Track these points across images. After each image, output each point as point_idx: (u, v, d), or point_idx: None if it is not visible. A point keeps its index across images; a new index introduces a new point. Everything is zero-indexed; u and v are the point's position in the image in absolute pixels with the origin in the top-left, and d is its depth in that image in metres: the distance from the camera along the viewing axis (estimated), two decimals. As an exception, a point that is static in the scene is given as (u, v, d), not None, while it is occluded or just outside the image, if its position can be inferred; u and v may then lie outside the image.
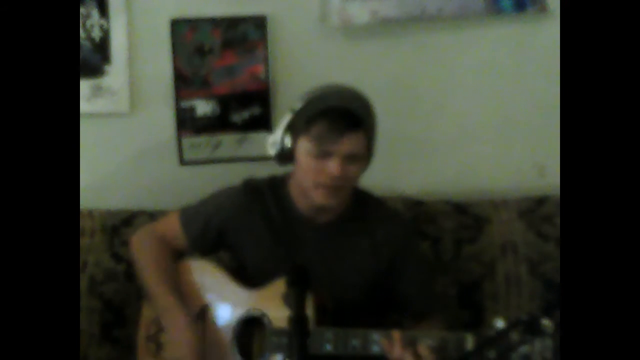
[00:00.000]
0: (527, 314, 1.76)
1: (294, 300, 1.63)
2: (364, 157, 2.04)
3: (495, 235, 2.49)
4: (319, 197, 2.05)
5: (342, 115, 1.99)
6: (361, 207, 2.17)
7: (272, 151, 2.09)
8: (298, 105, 2.05)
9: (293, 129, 2.05)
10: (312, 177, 2.03)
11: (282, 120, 2.07)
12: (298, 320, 1.61)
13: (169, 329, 2.10)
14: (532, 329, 1.73)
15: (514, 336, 1.73)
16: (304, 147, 2.02)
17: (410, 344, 1.86)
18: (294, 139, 2.05)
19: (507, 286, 2.46)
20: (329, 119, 1.99)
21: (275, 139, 2.08)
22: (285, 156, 2.07)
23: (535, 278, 2.46)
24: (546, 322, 1.73)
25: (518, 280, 2.46)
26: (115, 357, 2.42)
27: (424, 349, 1.85)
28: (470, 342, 1.83)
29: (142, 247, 2.23)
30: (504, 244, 2.49)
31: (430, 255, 2.45)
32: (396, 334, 1.88)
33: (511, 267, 2.47)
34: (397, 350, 1.86)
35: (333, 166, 1.99)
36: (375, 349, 1.91)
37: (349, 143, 1.99)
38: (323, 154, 2.00)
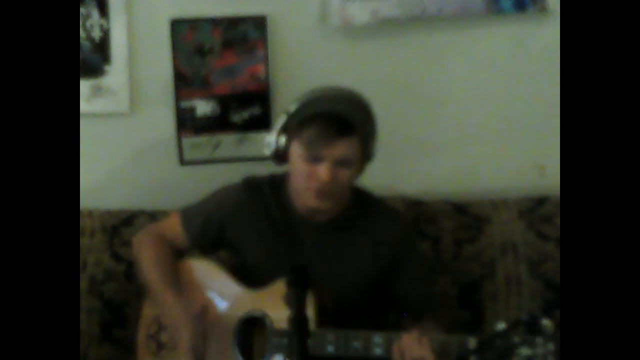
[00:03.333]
0: (527, 314, 1.76)
1: (294, 300, 1.63)
2: (357, 161, 2.03)
3: (495, 235, 2.49)
4: (310, 200, 2.06)
5: (334, 121, 1.99)
6: (361, 206, 2.17)
7: (267, 151, 2.10)
8: (292, 107, 2.07)
9: (287, 131, 2.06)
10: (303, 180, 2.04)
11: (277, 122, 2.09)
12: (298, 320, 1.61)
13: (170, 325, 2.10)
14: (532, 329, 1.73)
15: (515, 337, 1.73)
16: (296, 150, 2.04)
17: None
18: (288, 141, 2.06)
19: (507, 286, 2.46)
20: (320, 124, 1.99)
21: (270, 140, 2.09)
22: (280, 156, 2.09)
23: (535, 278, 2.45)
24: (546, 322, 1.73)
25: (518, 280, 2.46)
26: (115, 357, 2.42)
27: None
28: (472, 344, 1.83)
29: (143, 245, 2.23)
30: (504, 244, 2.48)
31: (430, 255, 2.45)
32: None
33: (511, 267, 2.47)
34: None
35: (323, 171, 1.99)
36: (377, 351, 1.91)
37: (340, 148, 1.99)
38: (313, 159, 2.01)
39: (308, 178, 2.03)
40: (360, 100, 2.07)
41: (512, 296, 2.45)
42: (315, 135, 1.99)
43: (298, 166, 2.04)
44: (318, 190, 2.02)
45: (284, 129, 2.07)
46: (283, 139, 2.07)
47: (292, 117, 2.05)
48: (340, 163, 2.00)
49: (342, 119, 1.99)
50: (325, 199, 2.05)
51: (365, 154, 2.05)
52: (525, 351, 1.72)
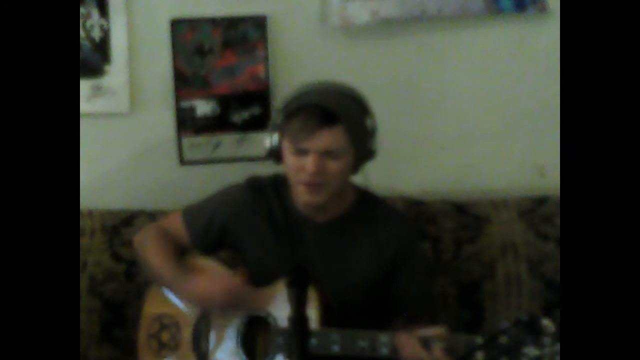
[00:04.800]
0: (527, 314, 1.76)
1: (294, 300, 1.63)
2: (345, 152, 2.02)
3: (495, 235, 2.49)
4: (303, 195, 2.06)
5: (315, 112, 1.99)
6: (364, 206, 2.17)
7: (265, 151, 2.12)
8: (281, 104, 2.09)
9: (277, 128, 2.07)
10: (294, 174, 2.05)
11: (271, 120, 2.12)
12: (298, 320, 1.61)
13: (199, 302, 2.11)
14: (532, 329, 1.73)
15: (521, 336, 1.73)
16: (285, 145, 2.05)
17: (425, 346, 1.87)
18: (280, 138, 2.07)
19: (507, 286, 2.46)
20: (302, 116, 2.00)
21: (265, 139, 2.11)
22: (276, 154, 2.09)
23: (535, 278, 2.45)
24: (546, 322, 1.73)
25: (518, 280, 2.46)
26: (115, 357, 2.42)
27: (437, 350, 1.85)
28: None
29: (147, 241, 2.23)
30: (504, 244, 2.48)
31: (430, 255, 2.45)
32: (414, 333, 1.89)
33: (511, 267, 2.47)
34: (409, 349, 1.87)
35: (309, 163, 2.00)
36: (383, 350, 1.91)
37: (324, 139, 1.99)
38: (300, 152, 2.01)
39: (297, 172, 2.03)
40: (348, 92, 2.06)
41: (512, 296, 2.45)
42: (298, 128, 2.00)
43: (288, 161, 2.05)
44: (308, 183, 2.02)
45: (275, 127, 2.08)
46: (276, 137, 2.08)
47: (280, 114, 2.07)
48: (327, 154, 2.00)
49: (323, 110, 1.99)
50: (317, 192, 2.04)
51: (357, 146, 2.04)
52: (533, 351, 1.72)
